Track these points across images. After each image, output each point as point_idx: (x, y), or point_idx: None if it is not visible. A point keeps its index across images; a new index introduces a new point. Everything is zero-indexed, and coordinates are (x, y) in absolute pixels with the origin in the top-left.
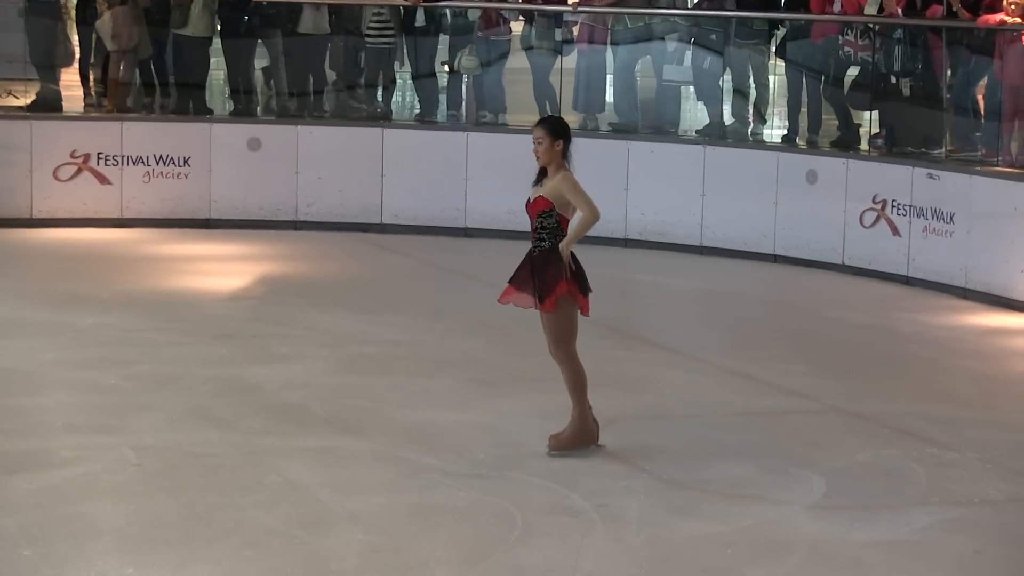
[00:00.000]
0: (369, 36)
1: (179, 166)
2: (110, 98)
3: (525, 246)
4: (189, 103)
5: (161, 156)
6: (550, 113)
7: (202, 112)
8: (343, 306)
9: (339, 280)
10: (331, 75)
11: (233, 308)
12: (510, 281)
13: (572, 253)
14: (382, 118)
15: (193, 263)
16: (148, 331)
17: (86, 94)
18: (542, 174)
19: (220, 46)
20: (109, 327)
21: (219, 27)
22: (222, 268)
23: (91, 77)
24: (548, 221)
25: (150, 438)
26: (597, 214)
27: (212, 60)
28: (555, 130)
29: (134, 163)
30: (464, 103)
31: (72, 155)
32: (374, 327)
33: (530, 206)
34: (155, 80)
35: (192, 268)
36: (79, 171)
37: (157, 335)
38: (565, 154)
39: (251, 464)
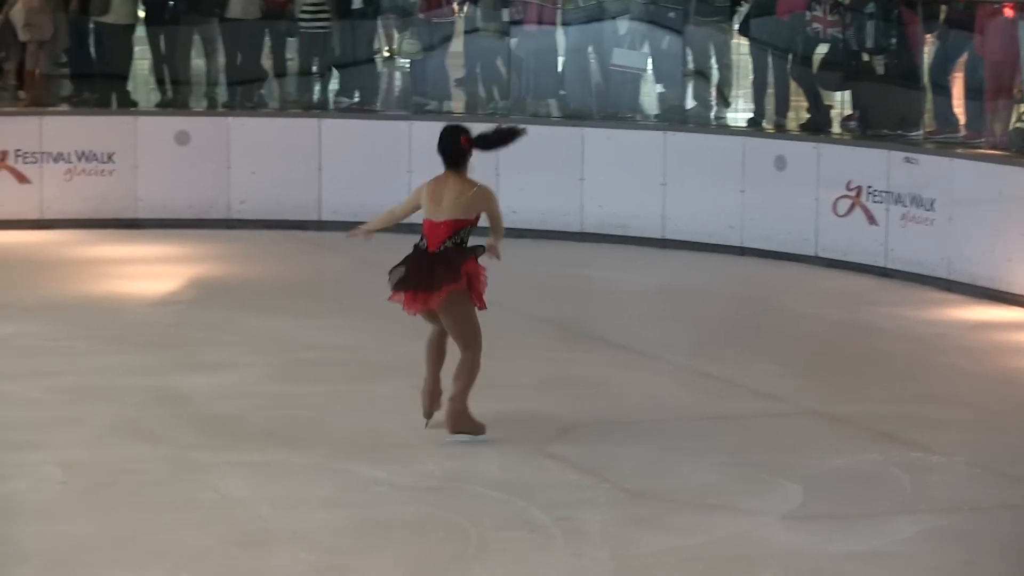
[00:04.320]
0: (303, 20)
1: (103, 162)
2: (27, 91)
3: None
4: (112, 95)
5: (83, 152)
6: (496, 99)
7: (126, 104)
8: (280, 310)
9: (275, 282)
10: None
11: (162, 314)
12: None
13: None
14: (318, 108)
15: (119, 266)
16: (71, 339)
17: (2, 88)
18: None
19: (144, 34)
20: (30, 336)
21: (142, 13)
22: (150, 271)
23: (4, 69)
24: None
25: (76, 454)
26: None
27: (136, 49)
28: None
29: (55, 160)
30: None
31: None
32: (313, 331)
33: None
34: (76, 71)
35: (118, 271)
36: None
37: (81, 344)
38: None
39: (184, 480)
